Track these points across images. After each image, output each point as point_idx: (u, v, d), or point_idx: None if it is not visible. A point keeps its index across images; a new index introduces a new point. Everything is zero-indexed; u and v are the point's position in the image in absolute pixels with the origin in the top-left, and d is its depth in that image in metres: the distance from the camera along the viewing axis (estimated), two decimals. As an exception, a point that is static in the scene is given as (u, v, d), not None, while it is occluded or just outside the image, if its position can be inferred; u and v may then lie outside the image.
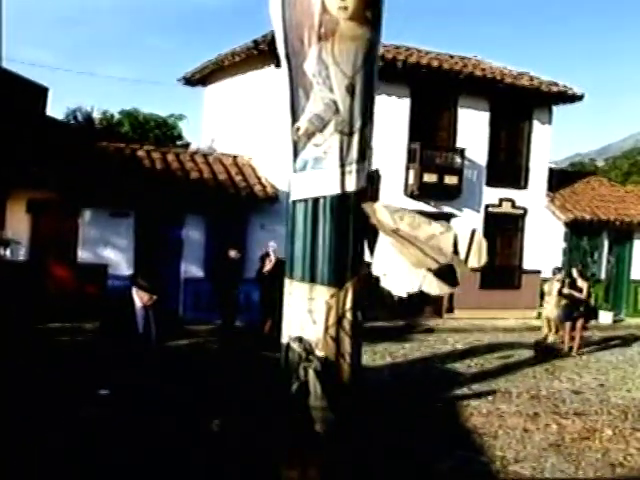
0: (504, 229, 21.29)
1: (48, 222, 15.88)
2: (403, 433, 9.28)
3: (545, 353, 15.20)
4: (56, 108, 23.01)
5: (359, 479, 7.17)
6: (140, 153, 17.48)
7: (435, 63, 19.33)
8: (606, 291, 22.99)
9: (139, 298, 7.07)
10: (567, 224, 21.75)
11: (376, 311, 17.92)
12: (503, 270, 21.02)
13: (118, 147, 17.57)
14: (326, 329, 5.29)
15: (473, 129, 20.21)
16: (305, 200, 5.48)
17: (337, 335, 5.36)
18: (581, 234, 22.35)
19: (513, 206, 21.25)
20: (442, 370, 13.91)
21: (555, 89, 21.03)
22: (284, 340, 5.55)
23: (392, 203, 5.75)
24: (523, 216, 21.42)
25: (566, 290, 15.81)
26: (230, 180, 17.27)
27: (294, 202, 5.61)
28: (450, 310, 20.21)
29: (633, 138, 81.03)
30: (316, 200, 5.42)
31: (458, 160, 19.60)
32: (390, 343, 15.84)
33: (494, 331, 18.81)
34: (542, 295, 16.29)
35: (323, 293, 5.36)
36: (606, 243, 22.92)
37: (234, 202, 17.05)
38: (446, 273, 5.15)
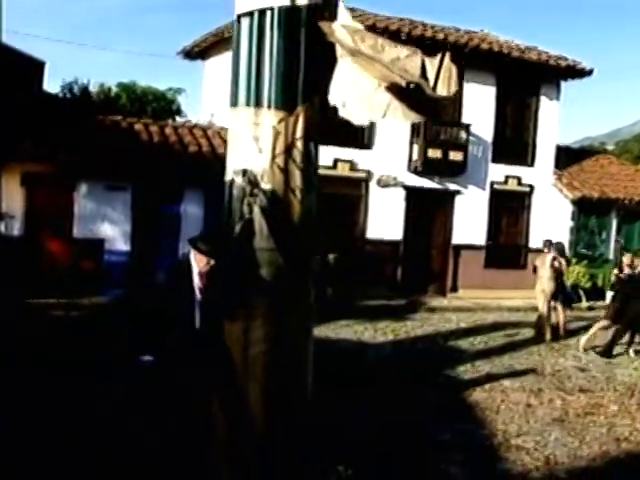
0: (510, 207, 21.23)
1: (43, 196, 15.83)
2: (403, 407, 9.27)
3: (545, 332, 14.94)
4: (55, 82, 22.97)
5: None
6: (137, 126, 17.41)
7: (440, 36, 19.16)
8: (535, 269, 22.78)
9: (196, 262, 6.86)
10: (574, 202, 21.64)
11: (377, 289, 18.15)
12: (508, 249, 20.98)
13: (115, 120, 17.51)
14: (273, 158, 4.66)
15: (479, 104, 20.09)
16: (250, 13, 4.78)
17: (286, 166, 4.69)
18: (589, 213, 22.24)
19: (519, 183, 21.16)
20: (445, 347, 13.86)
21: (564, 63, 20.88)
22: (227, 177, 4.76)
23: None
24: (529, 194, 21.33)
25: (557, 263, 15.44)
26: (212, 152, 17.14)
27: (238, 17, 4.90)
28: (454, 289, 20.17)
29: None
30: (262, 12, 4.74)
31: (463, 135, 19.49)
32: (392, 321, 15.81)
33: (499, 310, 18.74)
34: (534, 270, 15.87)
35: (270, 118, 4.66)
36: (614, 222, 22.80)
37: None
38: (413, 99, 4.64)
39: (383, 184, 18.95)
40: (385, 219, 19.06)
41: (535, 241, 21.11)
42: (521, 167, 21.17)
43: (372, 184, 19.00)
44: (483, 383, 10.85)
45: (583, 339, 14.00)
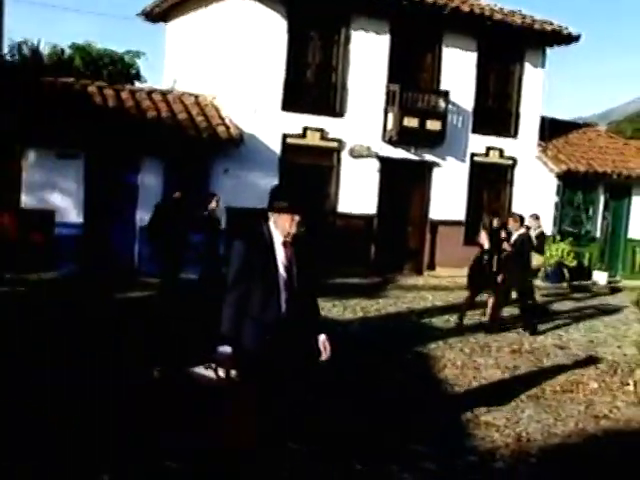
0: (491, 181, 21.07)
1: (-13, 164, 15.46)
2: (370, 384, 9.12)
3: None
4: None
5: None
6: (91, 89, 16.99)
7: (418, -4, 18.88)
8: (601, 250, 22.86)
9: (280, 228, 5.44)
10: (560, 176, 21.52)
11: (349, 267, 17.94)
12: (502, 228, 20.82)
13: (67, 83, 17.05)
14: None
15: (458, 70, 19.85)
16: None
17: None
18: (575, 188, 22.15)
19: (501, 156, 20.98)
20: (417, 324, 13.75)
21: (549, 28, 20.66)
22: None
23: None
24: (512, 167, 21.17)
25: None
26: (191, 120, 16.85)
27: None
28: (431, 267, 20.01)
29: (637, 102, 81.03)
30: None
31: (442, 104, 19.20)
32: (363, 299, 15.69)
33: (478, 289, 18.60)
34: None
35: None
36: (602, 198, 22.74)
37: (195, 144, 16.66)
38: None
39: (356, 154, 18.69)
40: (358, 192, 18.81)
41: (518, 217, 20.96)
42: (503, 138, 20.98)
43: (344, 154, 18.72)
44: (455, 360, 10.72)
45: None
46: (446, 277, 19.26)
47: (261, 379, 5.34)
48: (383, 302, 15.69)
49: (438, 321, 13.95)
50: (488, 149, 20.75)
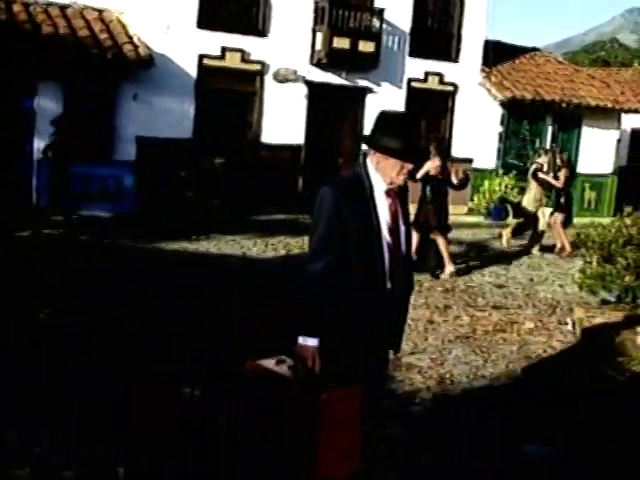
0: (430, 109, 20.89)
1: None
2: (290, 324, 8.86)
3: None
4: None
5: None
6: (-25, 1, 16.23)
7: None
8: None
9: (382, 174, 4.32)
10: (504, 104, 21.41)
11: (274, 201, 17.66)
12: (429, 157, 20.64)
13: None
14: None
15: (395, -14, 19.50)
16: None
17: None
18: (521, 117, 22.08)
19: (441, 82, 20.81)
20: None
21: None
22: None
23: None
24: (453, 94, 21.02)
25: (541, 175, 15.34)
26: (93, 38, 16.30)
27: None
28: (365, 203, 19.79)
29: (595, 31, 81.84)
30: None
31: (376, 23, 18.93)
32: (288, 236, 15.41)
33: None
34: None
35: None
36: (550, 129, 22.75)
37: (99, 66, 16.10)
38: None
39: (281, 79, 18.31)
40: (284, 120, 18.45)
41: (460, 149, 20.84)
42: (444, 62, 20.79)
43: (268, 78, 18.34)
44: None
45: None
46: (381, 214, 19.05)
47: (359, 379, 4.30)
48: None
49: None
50: (427, 74, 20.54)
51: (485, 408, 6.81)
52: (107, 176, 15.97)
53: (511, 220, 18.40)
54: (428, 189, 12.77)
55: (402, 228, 4.39)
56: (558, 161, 15.85)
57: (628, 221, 10.50)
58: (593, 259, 10.62)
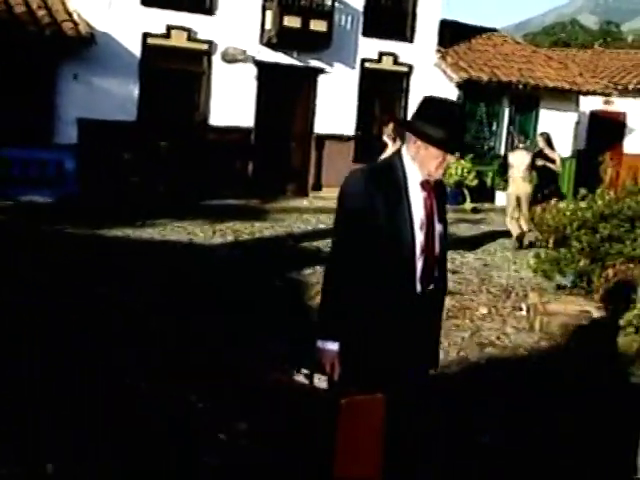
0: (384, 90, 20.85)
1: None
2: (235, 313, 8.81)
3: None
4: None
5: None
6: None
7: None
8: (504, 168, 22.87)
9: (420, 164, 4.05)
10: (460, 86, 21.33)
11: (223, 187, 17.48)
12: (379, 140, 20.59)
13: None
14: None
15: (347, -37, 19.36)
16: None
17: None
18: (477, 99, 22.03)
19: (396, 62, 20.66)
20: (295, 249, 13.47)
21: None
22: None
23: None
24: (408, 75, 20.88)
25: (540, 162, 15.36)
26: (30, 14, 15.87)
27: None
28: (317, 188, 19.70)
29: (555, 12, 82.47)
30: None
31: (328, 1, 18.67)
32: (237, 222, 15.30)
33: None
34: (503, 170, 15.97)
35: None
36: (507, 112, 22.76)
37: (36, 44, 15.75)
38: None
39: (229, 59, 18.06)
40: (232, 102, 18.19)
41: (414, 131, 20.74)
42: (398, 43, 20.61)
43: (215, 58, 18.04)
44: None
45: None
46: (333, 199, 18.76)
47: (384, 388, 3.90)
48: (259, 225, 15.33)
49: (320, 244, 13.57)
50: (381, 54, 20.37)
51: (435, 397, 6.75)
52: (47, 160, 15.68)
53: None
54: None
55: (437, 227, 4.10)
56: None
57: (583, 204, 10.52)
58: (550, 243, 10.67)
